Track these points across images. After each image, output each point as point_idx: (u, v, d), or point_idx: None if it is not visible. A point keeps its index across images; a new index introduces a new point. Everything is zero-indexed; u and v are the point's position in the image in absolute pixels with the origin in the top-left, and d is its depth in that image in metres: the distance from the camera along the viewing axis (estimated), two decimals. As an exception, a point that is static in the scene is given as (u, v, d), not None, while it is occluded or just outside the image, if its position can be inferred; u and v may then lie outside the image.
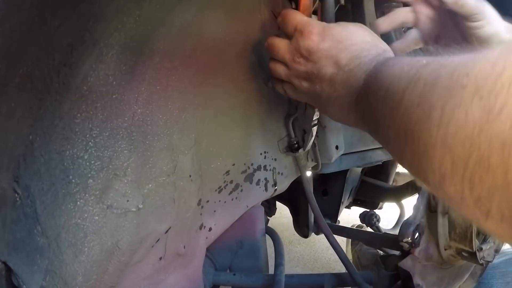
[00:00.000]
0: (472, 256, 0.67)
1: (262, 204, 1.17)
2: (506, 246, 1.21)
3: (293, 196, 1.26)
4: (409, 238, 0.66)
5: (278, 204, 1.38)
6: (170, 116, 0.63)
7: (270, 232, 0.83)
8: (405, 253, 0.69)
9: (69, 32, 0.40)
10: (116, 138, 0.52)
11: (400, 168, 1.40)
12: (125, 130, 0.54)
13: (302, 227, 1.20)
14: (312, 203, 0.77)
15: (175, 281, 0.66)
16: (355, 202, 1.34)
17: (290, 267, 1.80)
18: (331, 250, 1.98)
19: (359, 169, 1.24)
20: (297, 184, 1.24)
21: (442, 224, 0.69)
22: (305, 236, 1.20)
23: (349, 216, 1.98)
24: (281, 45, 0.57)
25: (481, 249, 0.73)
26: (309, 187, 0.79)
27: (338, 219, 1.26)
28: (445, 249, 0.70)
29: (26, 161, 0.39)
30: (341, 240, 1.76)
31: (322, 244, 1.96)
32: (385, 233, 1.11)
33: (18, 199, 0.39)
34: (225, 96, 0.73)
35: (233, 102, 0.74)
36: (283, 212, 1.71)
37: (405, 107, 0.32)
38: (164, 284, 0.65)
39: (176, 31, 0.63)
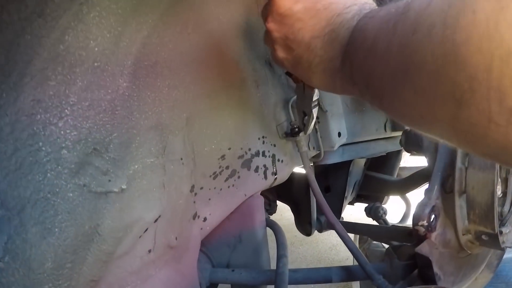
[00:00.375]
0: (494, 239, 0.62)
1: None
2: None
3: (294, 193, 1.20)
4: (425, 221, 0.60)
5: (279, 204, 1.33)
6: (159, 94, 0.58)
7: (271, 223, 0.77)
8: (419, 240, 0.63)
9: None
10: (97, 110, 0.46)
11: (404, 163, 1.35)
12: (108, 103, 0.48)
13: (305, 225, 1.14)
14: (316, 191, 0.71)
15: (167, 277, 0.60)
16: (359, 198, 1.28)
17: (295, 267, 1.73)
18: (335, 251, 1.90)
19: (362, 163, 1.18)
20: (298, 181, 1.18)
21: (460, 205, 0.63)
22: (308, 234, 1.13)
23: (351, 216, 1.91)
24: (264, 10, 0.53)
25: (501, 232, 0.67)
26: (312, 175, 0.74)
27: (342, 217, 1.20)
28: (463, 234, 0.64)
29: (-14, 121, 0.34)
30: (343, 245, 1.70)
31: (325, 244, 1.89)
32: (393, 225, 1.04)
33: (-25, 164, 0.33)
34: (219, 77, 0.68)
35: (227, 83, 0.69)
36: (284, 214, 1.65)
37: (399, 43, 0.28)
38: (154, 280, 0.59)
39: (166, 4, 0.59)
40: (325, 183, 1.19)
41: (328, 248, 1.89)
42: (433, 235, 0.62)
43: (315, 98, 0.66)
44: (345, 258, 1.64)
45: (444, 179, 0.64)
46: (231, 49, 0.72)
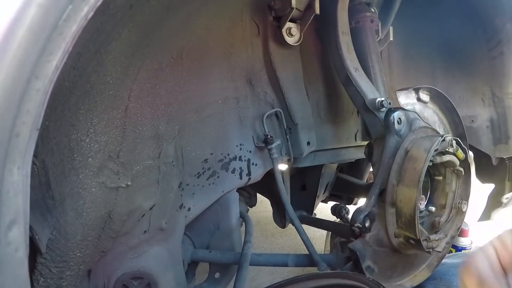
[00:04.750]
0: (418, 243, 0.81)
1: (243, 195, 1.33)
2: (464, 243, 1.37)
3: (273, 189, 1.41)
4: (359, 224, 0.81)
5: (264, 198, 1.53)
6: (157, 110, 0.77)
7: (243, 215, 0.98)
8: (357, 238, 0.83)
9: (78, 43, 0.55)
10: (111, 126, 0.66)
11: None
12: (119, 120, 0.68)
13: (280, 218, 1.36)
14: (281, 190, 0.92)
15: (157, 253, 0.81)
16: (332, 197, 1.49)
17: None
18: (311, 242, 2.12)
19: (334, 166, 1.39)
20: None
21: (391, 213, 0.83)
22: (283, 226, 1.35)
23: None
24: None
25: (430, 239, 0.87)
26: (280, 178, 0.94)
27: (315, 212, 1.42)
28: (395, 236, 0.84)
29: (43, 141, 0.53)
30: (321, 235, 1.93)
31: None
32: (344, 223, 1.26)
33: (36, 169, 0.53)
34: (206, 94, 0.88)
35: (212, 99, 0.89)
36: (268, 207, 1.86)
37: None
38: (147, 255, 0.80)
39: (164, 37, 0.77)
40: (302, 182, 1.39)
41: None
42: (368, 235, 0.82)
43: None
44: (320, 250, 1.87)
45: (381, 191, 0.84)
46: (217, 71, 0.90)
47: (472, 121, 1.34)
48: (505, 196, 1.34)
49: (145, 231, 0.77)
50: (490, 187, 1.57)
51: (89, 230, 0.62)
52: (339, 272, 0.70)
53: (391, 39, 1.25)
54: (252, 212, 1.49)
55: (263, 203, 1.52)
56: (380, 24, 1.16)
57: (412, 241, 0.85)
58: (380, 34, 1.19)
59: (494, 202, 1.50)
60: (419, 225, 0.82)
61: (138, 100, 0.73)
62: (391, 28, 1.24)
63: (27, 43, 0.29)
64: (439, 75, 1.38)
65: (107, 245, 0.70)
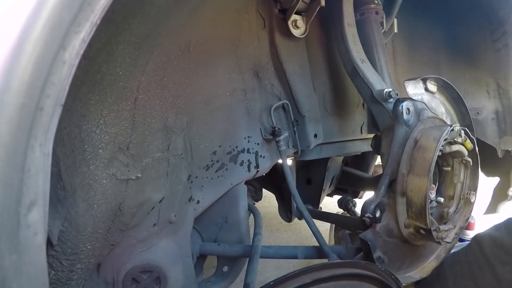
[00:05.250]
0: (429, 233, 0.82)
1: (249, 189, 1.33)
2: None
3: (278, 183, 1.41)
4: (370, 214, 0.81)
5: (267, 193, 1.54)
6: (165, 102, 0.77)
7: (251, 208, 0.98)
8: (367, 229, 0.84)
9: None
10: (121, 118, 0.66)
11: (379, 160, 1.56)
12: (128, 112, 0.68)
13: (286, 212, 1.36)
14: (290, 182, 0.92)
15: (166, 246, 0.81)
16: (337, 190, 1.49)
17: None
18: (315, 238, 2.14)
19: (340, 159, 1.39)
20: (282, 172, 1.39)
21: (401, 203, 0.84)
22: (289, 220, 1.35)
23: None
24: None
25: (439, 229, 0.87)
26: (288, 170, 0.94)
27: (321, 206, 1.42)
28: (405, 227, 0.85)
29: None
30: (325, 229, 1.93)
31: (307, 231, 2.13)
32: (359, 217, 1.26)
33: (48, 160, 0.53)
34: (214, 86, 0.88)
35: (220, 91, 0.89)
36: (272, 202, 1.87)
37: None
38: (156, 248, 0.80)
39: (172, 29, 0.77)
40: (307, 176, 1.40)
41: (310, 235, 2.14)
42: (378, 226, 0.82)
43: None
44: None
45: (391, 182, 0.84)
46: (225, 63, 0.91)
47: (478, 113, 1.34)
48: (511, 189, 1.35)
49: (154, 224, 0.77)
50: (495, 180, 1.57)
51: (100, 222, 0.62)
52: (351, 262, 0.70)
53: (395, 31, 1.25)
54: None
55: (267, 198, 1.53)
56: (384, 16, 1.16)
57: (422, 231, 0.86)
58: (384, 26, 1.19)
59: (500, 195, 1.49)
60: (429, 215, 0.82)
61: (147, 92, 0.73)
62: (395, 20, 1.24)
63: (60, 9, 0.28)
64: (443, 67, 1.39)
65: (116, 238, 0.70)
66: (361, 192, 1.49)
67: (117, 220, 0.68)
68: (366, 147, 1.30)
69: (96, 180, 0.60)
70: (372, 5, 1.11)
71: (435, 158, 0.76)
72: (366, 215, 0.82)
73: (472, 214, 1.31)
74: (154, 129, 0.74)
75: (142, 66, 0.72)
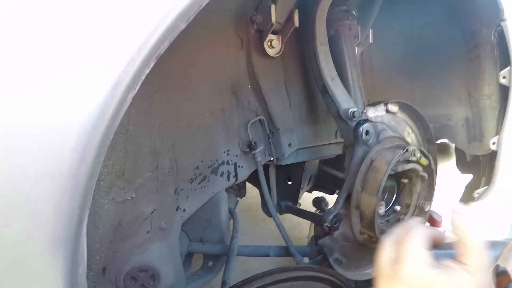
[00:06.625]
0: (379, 242, 0.98)
1: (233, 188, 1.51)
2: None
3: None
4: (328, 223, 0.99)
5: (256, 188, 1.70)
6: (153, 128, 0.92)
7: (231, 212, 1.17)
8: (327, 235, 1.02)
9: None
10: (116, 150, 0.82)
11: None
12: (121, 144, 0.83)
13: (267, 208, 1.55)
14: (264, 191, 1.10)
15: (159, 248, 0.99)
16: (316, 187, 1.68)
17: (262, 241, 2.21)
18: (298, 228, 2.38)
19: (317, 160, 1.56)
20: (265, 171, 1.57)
21: (355, 215, 0.99)
22: (270, 215, 1.55)
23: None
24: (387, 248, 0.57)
25: None
26: (263, 179, 1.12)
27: (300, 202, 1.61)
28: (360, 234, 1.01)
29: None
30: (306, 223, 2.14)
31: (291, 222, 2.36)
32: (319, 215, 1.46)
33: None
34: (195, 109, 1.02)
35: (201, 113, 1.03)
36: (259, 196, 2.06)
37: None
38: (150, 251, 0.98)
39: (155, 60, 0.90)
40: (287, 174, 1.57)
41: (293, 226, 2.38)
42: (336, 233, 1.00)
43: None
44: (306, 235, 2.10)
45: (348, 195, 1.00)
46: (204, 86, 1.03)
47: (448, 119, 1.43)
48: (476, 191, 1.42)
49: (148, 232, 0.95)
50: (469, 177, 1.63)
51: (105, 238, 0.80)
52: (307, 266, 0.89)
53: (370, 41, 1.36)
54: (244, 198, 1.68)
55: (255, 189, 1.69)
56: (360, 27, 1.27)
57: (373, 239, 1.02)
58: (359, 38, 1.31)
59: (469, 194, 1.50)
60: (380, 224, 0.99)
61: (136, 122, 0.87)
62: (371, 31, 1.35)
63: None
64: (418, 75, 1.49)
65: (117, 246, 0.88)
66: (338, 190, 1.68)
67: (118, 233, 0.85)
68: (340, 150, 1.46)
69: (100, 207, 0.77)
70: (346, 21, 1.22)
71: (385, 179, 0.92)
72: (325, 224, 1.00)
73: (438, 213, 1.47)
74: (144, 153, 0.89)
75: (130, 98, 0.86)
